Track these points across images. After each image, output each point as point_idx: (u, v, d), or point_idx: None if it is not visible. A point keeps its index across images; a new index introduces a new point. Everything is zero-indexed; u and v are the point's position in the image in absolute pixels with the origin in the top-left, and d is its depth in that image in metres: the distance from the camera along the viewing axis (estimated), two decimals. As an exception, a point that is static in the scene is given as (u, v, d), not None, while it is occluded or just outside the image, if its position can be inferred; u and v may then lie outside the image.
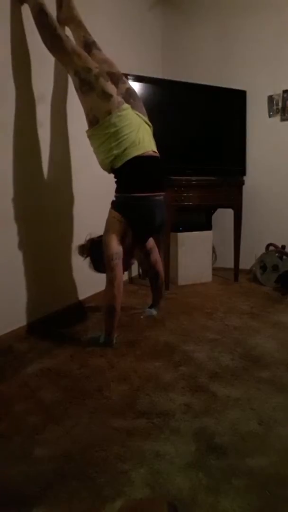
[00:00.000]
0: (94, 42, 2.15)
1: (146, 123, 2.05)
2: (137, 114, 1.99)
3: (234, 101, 3.27)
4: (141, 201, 1.98)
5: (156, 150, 2.04)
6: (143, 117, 2.04)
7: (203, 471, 1.08)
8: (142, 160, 1.95)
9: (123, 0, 2.94)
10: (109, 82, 1.91)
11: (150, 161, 1.99)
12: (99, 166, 2.07)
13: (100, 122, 1.90)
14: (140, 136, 1.95)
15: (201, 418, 1.33)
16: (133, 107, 1.98)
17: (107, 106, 1.88)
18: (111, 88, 1.90)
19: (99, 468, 1.10)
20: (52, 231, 2.27)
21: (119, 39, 2.83)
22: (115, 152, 1.92)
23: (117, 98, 1.91)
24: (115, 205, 2.01)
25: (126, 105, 1.94)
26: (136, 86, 2.39)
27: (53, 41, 1.90)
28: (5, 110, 1.91)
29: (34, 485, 1.05)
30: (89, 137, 1.99)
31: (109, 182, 2.30)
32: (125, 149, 1.91)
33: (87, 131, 1.99)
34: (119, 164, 1.94)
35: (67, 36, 1.95)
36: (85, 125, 2.03)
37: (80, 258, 2.17)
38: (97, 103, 1.89)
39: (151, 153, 1.99)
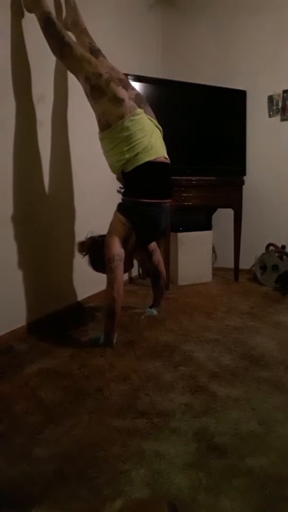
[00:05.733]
0: (99, 50, 2.15)
1: (157, 127, 2.05)
2: (149, 119, 1.99)
3: (234, 101, 3.27)
4: (148, 207, 1.98)
5: (167, 157, 2.04)
6: (154, 121, 2.04)
7: (203, 471, 1.08)
8: (154, 166, 1.95)
9: (123, 0, 2.94)
10: (120, 87, 1.90)
11: (161, 168, 1.99)
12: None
13: (112, 126, 1.89)
14: (152, 141, 1.95)
15: (201, 418, 1.33)
16: (144, 112, 1.98)
17: (119, 111, 1.87)
18: (122, 92, 1.89)
19: (99, 468, 1.10)
20: (53, 231, 2.27)
21: (119, 39, 2.83)
22: (127, 156, 1.91)
23: (129, 102, 1.90)
24: (121, 208, 2.01)
25: (139, 110, 1.93)
26: (136, 86, 2.39)
27: (63, 49, 1.88)
28: (5, 111, 1.91)
29: (34, 485, 1.05)
30: (101, 140, 1.99)
31: (109, 183, 2.31)
32: (137, 154, 1.91)
33: (99, 134, 1.98)
34: (130, 168, 1.94)
35: (75, 43, 1.94)
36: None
37: (80, 257, 2.18)
38: (109, 108, 1.88)
39: (162, 159, 1.99)
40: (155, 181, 1.99)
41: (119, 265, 1.93)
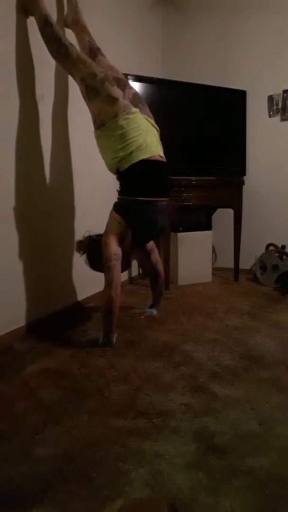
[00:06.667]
0: (99, 49, 2.16)
1: (154, 126, 2.05)
2: (145, 118, 1.99)
3: (234, 101, 3.27)
4: (143, 205, 1.98)
5: (163, 155, 2.04)
6: (151, 121, 2.04)
7: (203, 471, 1.08)
8: (148, 164, 1.95)
9: (123, 0, 2.94)
10: (115, 87, 1.91)
11: (156, 166, 1.99)
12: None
13: (106, 124, 1.90)
14: (147, 139, 1.95)
15: (201, 418, 1.33)
16: (141, 111, 1.99)
17: (114, 110, 1.88)
18: (116, 92, 1.90)
19: (99, 468, 1.10)
20: (52, 231, 2.27)
21: (119, 39, 2.83)
22: (121, 154, 1.92)
23: (123, 101, 1.91)
24: (117, 207, 2.01)
25: (135, 109, 1.94)
26: (136, 86, 2.39)
27: (59, 51, 1.91)
28: (7, 111, 1.91)
29: (34, 485, 1.05)
30: (96, 138, 1.99)
31: (109, 183, 2.31)
32: (131, 152, 1.91)
33: (94, 132, 1.99)
34: (125, 166, 1.94)
35: (72, 44, 1.95)
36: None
37: (79, 256, 2.18)
38: (104, 108, 1.89)
39: (157, 157, 1.99)
40: (150, 180, 1.98)
41: (116, 264, 1.93)
